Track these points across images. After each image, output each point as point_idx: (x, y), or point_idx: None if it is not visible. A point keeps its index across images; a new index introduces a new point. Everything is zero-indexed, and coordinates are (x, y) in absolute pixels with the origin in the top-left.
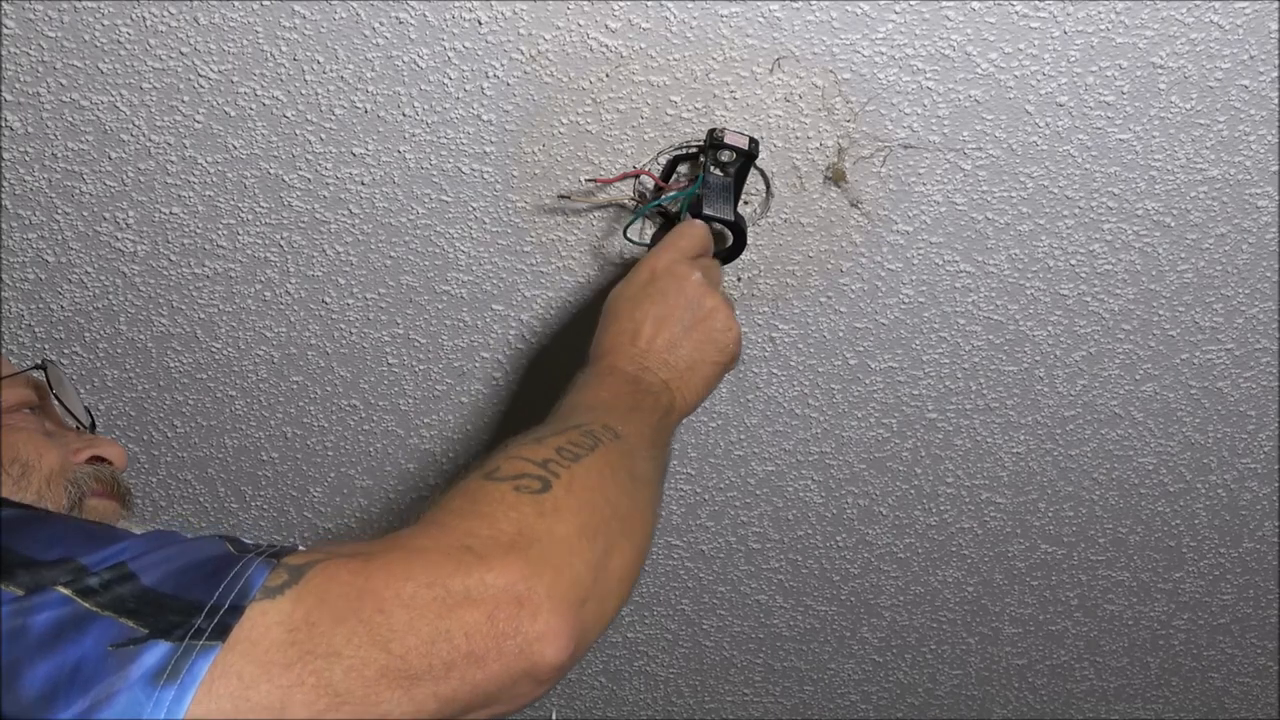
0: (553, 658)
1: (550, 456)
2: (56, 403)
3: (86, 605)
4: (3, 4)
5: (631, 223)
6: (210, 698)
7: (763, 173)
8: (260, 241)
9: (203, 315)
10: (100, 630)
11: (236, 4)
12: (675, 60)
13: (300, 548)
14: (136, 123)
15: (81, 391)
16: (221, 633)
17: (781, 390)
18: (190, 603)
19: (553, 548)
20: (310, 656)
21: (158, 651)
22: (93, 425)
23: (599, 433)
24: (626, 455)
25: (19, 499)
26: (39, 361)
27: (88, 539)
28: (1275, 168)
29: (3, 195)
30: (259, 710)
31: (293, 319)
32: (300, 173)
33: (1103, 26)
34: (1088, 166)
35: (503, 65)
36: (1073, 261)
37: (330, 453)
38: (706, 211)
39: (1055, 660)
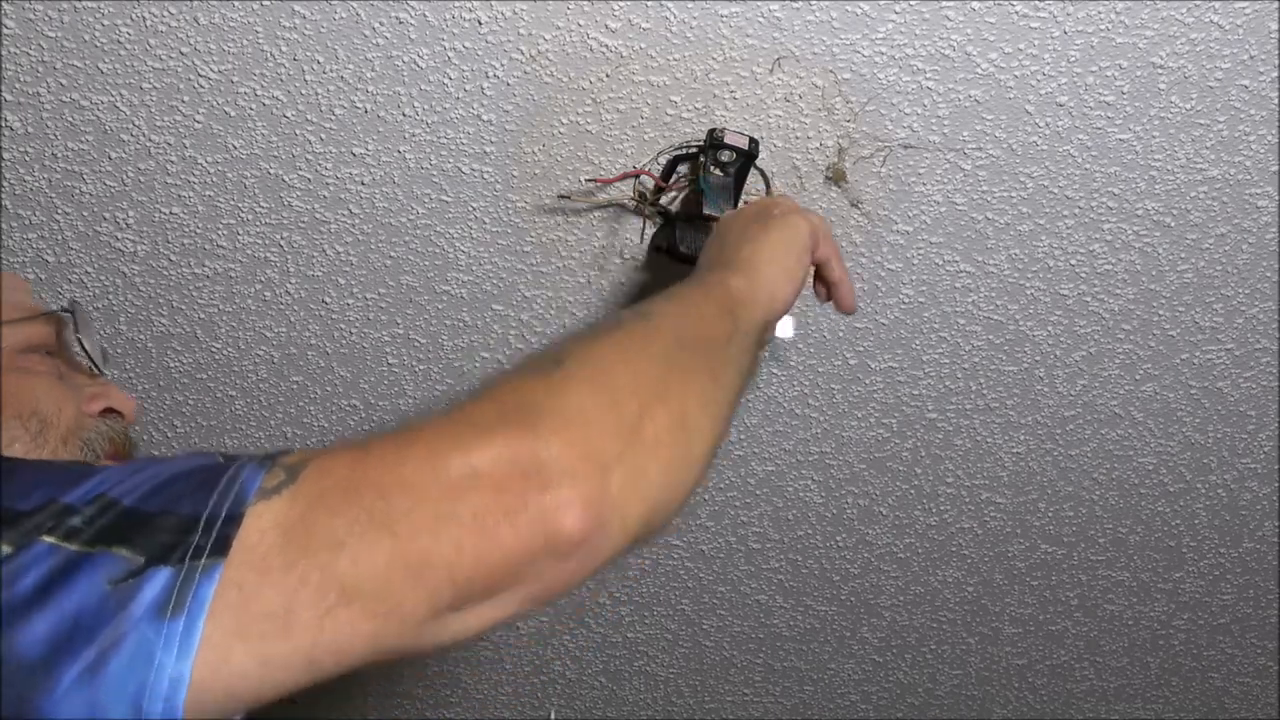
0: (571, 529)
1: (566, 342)
2: (76, 345)
3: (74, 548)
4: (3, 4)
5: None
6: (221, 619)
7: (763, 173)
8: (260, 241)
9: (203, 315)
10: (93, 569)
11: (236, 4)
12: (675, 60)
13: (297, 448)
14: (136, 123)
15: None
16: (222, 547)
17: (781, 390)
18: (183, 518)
19: (562, 417)
20: (311, 552)
21: (159, 580)
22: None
23: (625, 317)
24: (657, 330)
25: (34, 456)
26: (67, 304)
27: (66, 476)
28: (1275, 168)
29: (3, 195)
30: (263, 620)
31: (293, 319)
32: (300, 173)
33: (1103, 26)
34: (1088, 166)
35: (503, 65)
36: (1073, 261)
37: None
38: (707, 211)
39: (1055, 660)
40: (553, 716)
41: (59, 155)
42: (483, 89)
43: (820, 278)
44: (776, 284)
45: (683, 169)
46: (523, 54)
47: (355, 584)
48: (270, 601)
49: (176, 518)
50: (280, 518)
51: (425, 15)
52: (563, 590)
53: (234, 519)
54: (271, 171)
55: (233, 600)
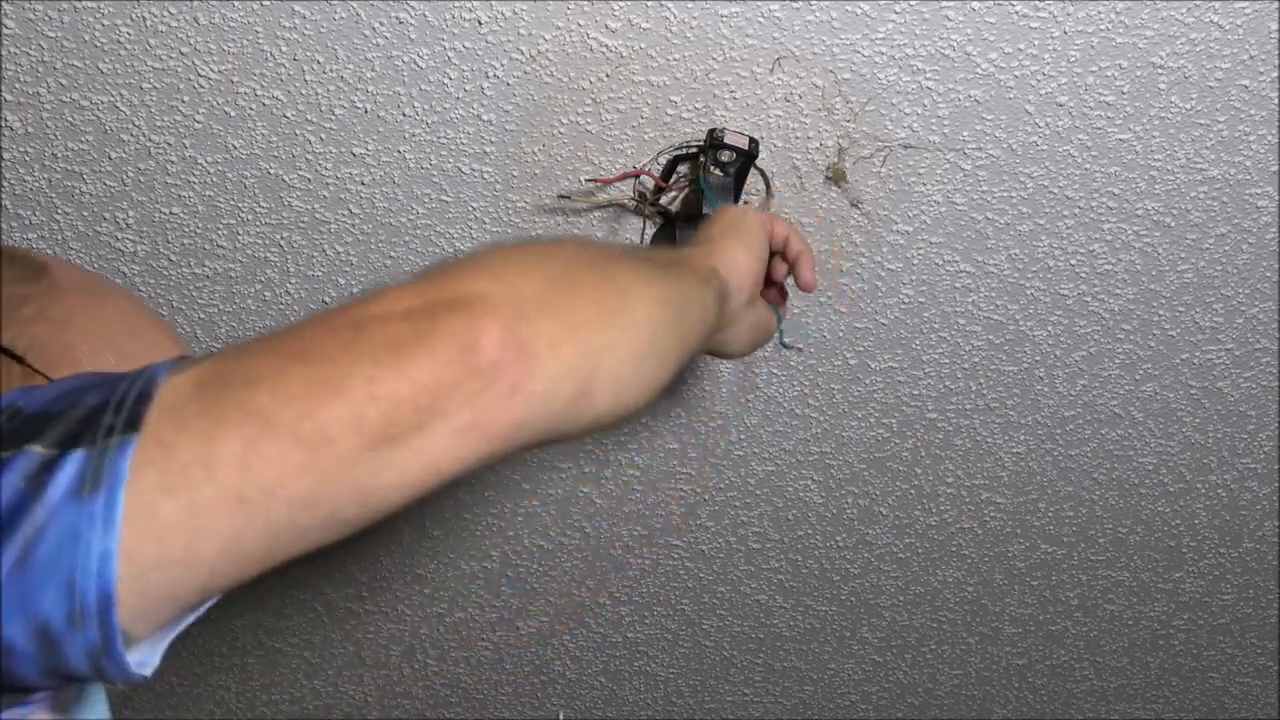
0: (488, 347)
1: None
2: None
3: None
4: (3, 4)
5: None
6: (144, 480)
7: (763, 173)
8: (260, 241)
9: (203, 315)
10: (8, 471)
11: (236, 4)
12: (675, 60)
13: None
14: (136, 123)
15: None
16: (135, 423)
17: (781, 390)
18: (93, 407)
19: (476, 268)
20: (228, 392)
21: (72, 464)
22: None
23: None
24: (590, 240)
25: None
26: None
27: None
28: (1275, 168)
29: (3, 195)
30: (186, 468)
31: (293, 319)
32: (300, 173)
33: (1103, 26)
34: (1088, 166)
35: (503, 65)
36: (1073, 261)
37: None
38: (707, 211)
39: (1055, 660)
40: (562, 717)
41: (59, 155)
42: (483, 89)
43: (784, 259)
44: (732, 250)
45: (683, 169)
46: (523, 54)
47: (275, 413)
48: (191, 448)
49: (85, 409)
50: (194, 377)
51: (425, 15)
52: (503, 426)
53: (145, 397)
54: (271, 171)
55: (154, 457)
